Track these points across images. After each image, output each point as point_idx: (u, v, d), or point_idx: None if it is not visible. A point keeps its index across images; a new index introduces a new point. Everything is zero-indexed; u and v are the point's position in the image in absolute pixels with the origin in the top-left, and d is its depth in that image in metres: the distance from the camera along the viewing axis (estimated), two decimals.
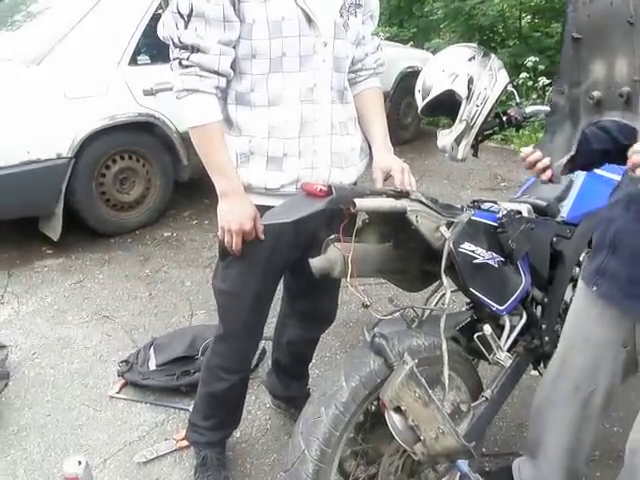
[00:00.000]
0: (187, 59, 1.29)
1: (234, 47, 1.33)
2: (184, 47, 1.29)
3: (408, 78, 5.34)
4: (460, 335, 1.59)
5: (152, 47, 3.49)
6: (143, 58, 3.43)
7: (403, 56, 5.46)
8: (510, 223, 1.38)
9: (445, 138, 1.97)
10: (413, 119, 5.60)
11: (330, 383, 1.30)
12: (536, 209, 1.66)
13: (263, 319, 1.64)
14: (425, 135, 5.63)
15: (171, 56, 1.34)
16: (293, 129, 1.38)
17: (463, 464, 1.25)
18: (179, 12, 1.28)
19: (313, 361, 2.34)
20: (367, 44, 1.54)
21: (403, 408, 1.16)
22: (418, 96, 2.04)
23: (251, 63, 1.34)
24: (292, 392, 1.98)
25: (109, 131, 3.24)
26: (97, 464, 1.85)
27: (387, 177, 1.50)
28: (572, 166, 1.26)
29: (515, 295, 1.43)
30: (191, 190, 3.94)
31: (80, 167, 3.17)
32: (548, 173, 1.24)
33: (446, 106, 1.98)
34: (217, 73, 1.32)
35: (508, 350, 1.49)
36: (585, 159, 1.25)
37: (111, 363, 2.35)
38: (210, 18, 1.27)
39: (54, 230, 3.20)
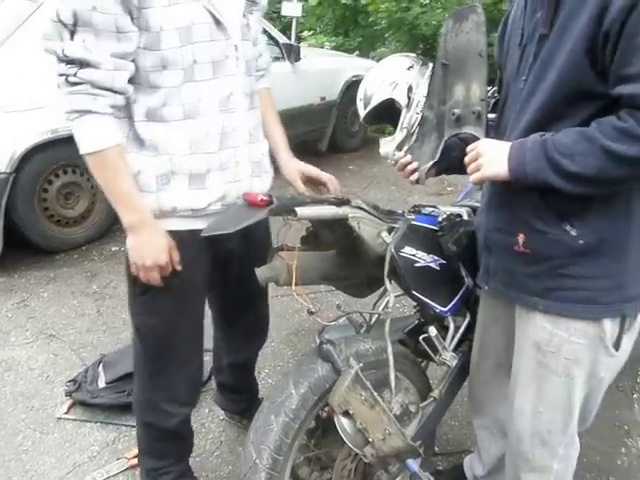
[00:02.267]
0: (75, 75, 1.14)
1: (133, 60, 1.21)
2: (70, 62, 1.14)
3: (354, 87, 5.39)
4: (408, 338, 1.64)
5: None
6: None
7: (349, 65, 5.54)
8: (450, 226, 1.43)
9: (387, 145, 2.04)
10: (360, 127, 5.68)
11: (279, 391, 1.31)
12: (476, 212, 1.73)
13: (202, 337, 1.60)
14: (372, 142, 5.72)
15: (56, 72, 1.17)
16: (214, 142, 1.32)
17: (413, 463, 1.28)
18: (61, 21, 1.13)
19: (266, 371, 2.36)
20: (260, 43, 1.48)
21: (351, 412, 1.18)
22: (360, 105, 2.11)
23: (162, 75, 1.22)
24: (243, 405, 1.97)
25: (50, 145, 3.14)
26: None
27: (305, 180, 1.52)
28: (435, 171, 1.44)
29: (458, 296, 1.48)
30: None
31: (21, 182, 3.06)
32: (415, 175, 1.43)
33: (387, 114, 2.04)
34: (112, 90, 1.18)
35: (454, 350, 1.54)
36: (446, 165, 1.42)
37: (58, 383, 2.28)
38: (99, 29, 1.13)
39: None
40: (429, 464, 1.67)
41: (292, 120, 4.83)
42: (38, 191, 3.20)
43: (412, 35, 7.39)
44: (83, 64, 1.13)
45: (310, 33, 9.02)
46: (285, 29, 6.80)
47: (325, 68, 5.11)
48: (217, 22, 1.24)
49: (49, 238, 3.33)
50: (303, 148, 5.26)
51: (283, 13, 5.82)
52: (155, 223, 1.29)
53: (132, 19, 1.15)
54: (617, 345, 1.22)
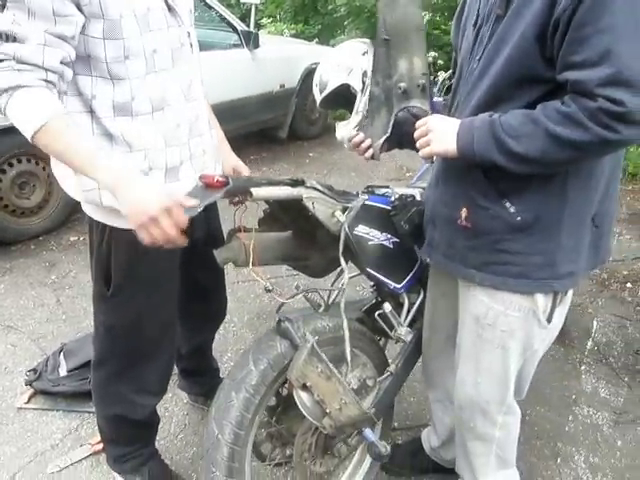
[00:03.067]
0: (1, 52, 1.06)
1: (75, 47, 1.13)
2: None
3: (313, 74, 5.44)
4: (365, 317, 1.69)
5: None
6: None
7: (308, 53, 5.53)
8: (402, 206, 1.48)
9: (342, 129, 2.06)
10: (320, 114, 5.70)
11: (239, 368, 1.34)
12: None
13: (175, 328, 1.61)
14: (333, 130, 5.68)
15: None
16: (184, 133, 1.31)
17: (369, 433, 1.34)
18: None
19: (229, 354, 2.39)
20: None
21: (308, 384, 1.23)
22: (316, 90, 2.12)
23: (125, 66, 1.18)
24: (206, 387, 1.99)
25: (3, 133, 3.06)
26: None
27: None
28: (388, 146, 1.48)
29: (411, 274, 1.54)
30: None
31: None
32: (369, 152, 1.50)
33: (343, 99, 2.07)
34: (41, 67, 1.08)
35: (409, 326, 1.60)
36: (398, 139, 1.46)
37: (17, 374, 2.26)
38: (34, 9, 1.06)
39: None
40: (387, 437, 1.74)
41: (251, 107, 4.83)
42: None
43: (371, 23, 7.42)
44: (9, 37, 1.06)
45: (269, 20, 8.96)
46: (244, 16, 6.74)
47: (284, 55, 5.10)
48: (169, 8, 1.24)
49: (4, 229, 3.25)
50: (263, 136, 5.27)
51: (242, 0, 5.76)
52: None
53: (80, 5, 1.10)
54: (549, 318, 1.30)
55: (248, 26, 4.89)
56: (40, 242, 3.39)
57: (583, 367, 2.42)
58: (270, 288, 1.32)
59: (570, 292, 1.33)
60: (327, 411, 1.22)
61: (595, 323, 2.75)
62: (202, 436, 1.95)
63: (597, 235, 1.27)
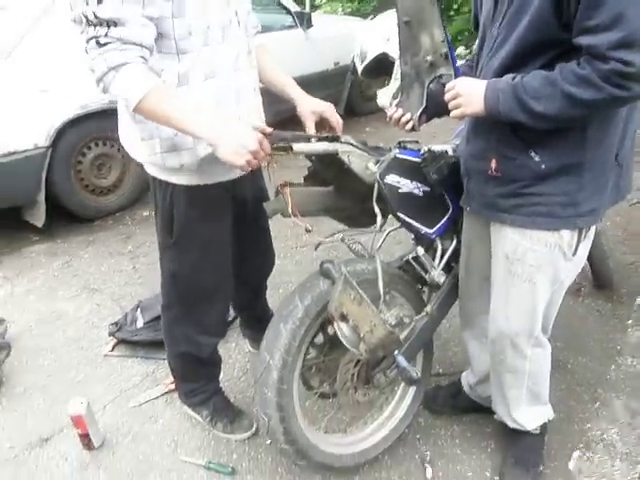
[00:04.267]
0: (105, 35, 1.23)
1: (159, 28, 1.29)
2: (100, 23, 1.22)
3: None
4: (405, 264, 1.83)
5: None
6: None
7: (362, 29, 5.62)
8: (432, 158, 1.60)
9: (384, 96, 2.21)
10: (374, 93, 5.78)
11: (287, 304, 1.54)
12: None
13: (231, 276, 1.80)
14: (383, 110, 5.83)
15: (84, 37, 1.26)
16: (233, 99, 1.46)
17: (402, 360, 1.49)
18: None
19: None
20: (245, 2, 1.55)
21: (345, 312, 1.40)
22: (357, 60, 2.28)
23: (189, 41, 1.34)
24: (264, 332, 2.20)
25: (82, 119, 3.40)
26: (97, 410, 2.06)
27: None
28: (426, 117, 1.58)
29: (443, 220, 1.66)
30: None
31: (58, 156, 3.34)
32: (409, 124, 1.60)
33: (383, 68, 2.21)
34: (141, 45, 1.26)
35: (444, 270, 1.73)
36: (435, 109, 1.54)
37: (102, 329, 2.56)
38: None
39: (38, 217, 3.38)
40: (427, 375, 1.88)
41: (307, 86, 4.93)
42: (74, 163, 3.48)
43: None
44: (113, 23, 1.22)
45: (324, 1, 9.06)
46: None
47: (337, 34, 5.22)
48: None
49: (85, 207, 3.62)
50: None
51: None
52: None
53: None
54: (574, 252, 1.40)
55: (304, 7, 5.05)
56: (117, 217, 3.74)
57: (630, 321, 2.45)
58: (310, 229, 1.49)
59: (593, 227, 1.42)
60: (361, 336, 1.39)
61: None
62: None
63: (619, 173, 1.36)
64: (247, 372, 2.26)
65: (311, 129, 1.62)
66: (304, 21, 4.66)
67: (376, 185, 1.50)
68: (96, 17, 1.22)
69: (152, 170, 1.58)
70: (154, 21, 1.29)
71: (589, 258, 2.47)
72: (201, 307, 1.74)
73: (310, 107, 1.66)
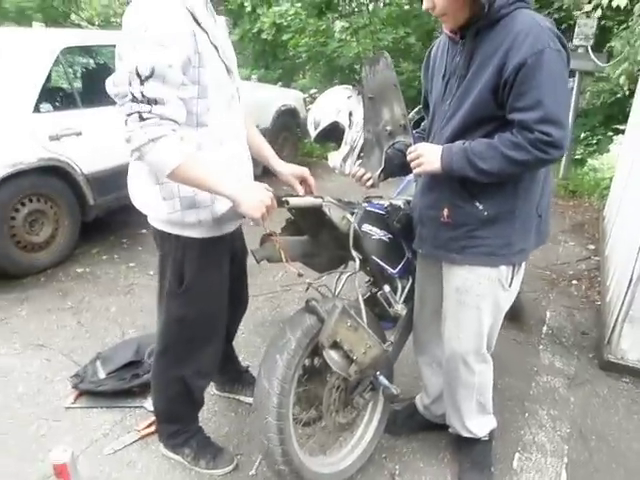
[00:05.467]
0: (149, 112, 1.42)
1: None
2: (146, 101, 1.42)
3: (284, 115, 5.97)
4: (371, 299, 2.10)
5: (53, 96, 3.73)
6: (46, 106, 3.64)
7: (278, 96, 6.07)
8: (393, 210, 1.93)
9: (334, 158, 2.55)
10: (289, 152, 6.18)
11: (279, 338, 1.74)
12: (410, 203, 2.25)
13: (225, 319, 1.96)
14: (302, 164, 6.24)
15: (126, 111, 1.44)
16: (237, 162, 1.71)
17: (383, 379, 1.75)
18: (137, 72, 1.41)
19: (242, 355, 2.74)
20: (239, 79, 1.79)
21: (338, 340, 1.63)
22: (310, 128, 2.61)
23: (208, 116, 1.59)
24: (232, 374, 2.37)
25: (17, 175, 3.40)
26: None
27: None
28: (383, 176, 1.86)
29: (402, 262, 1.98)
30: (97, 228, 4.17)
31: None
32: (370, 182, 1.86)
33: (333, 134, 2.55)
34: (174, 121, 1.47)
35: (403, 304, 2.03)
36: (390, 170, 1.86)
37: (57, 382, 2.55)
38: (168, 80, 1.44)
39: None
40: (388, 408, 2.14)
41: None
42: (7, 219, 3.44)
43: (330, 67, 8.10)
44: (157, 102, 1.43)
45: None
46: None
47: (258, 100, 5.59)
48: (228, 71, 1.66)
49: (17, 263, 3.55)
50: None
51: None
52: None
53: (186, 75, 1.49)
54: (510, 284, 1.77)
55: None
56: (49, 275, 3.68)
57: (541, 347, 2.90)
58: (302, 273, 1.73)
59: (523, 264, 1.80)
60: (354, 358, 1.63)
61: (548, 313, 3.25)
62: (231, 419, 2.33)
63: (539, 222, 1.76)
64: (216, 413, 2.37)
65: (300, 189, 1.89)
66: None
67: (351, 233, 1.78)
68: (143, 96, 1.42)
69: (163, 226, 1.73)
70: (183, 101, 1.51)
71: None
72: (201, 349, 1.89)
73: (292, 172, 1.95)
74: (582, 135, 6.38)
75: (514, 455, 2.14)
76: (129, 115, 1.44)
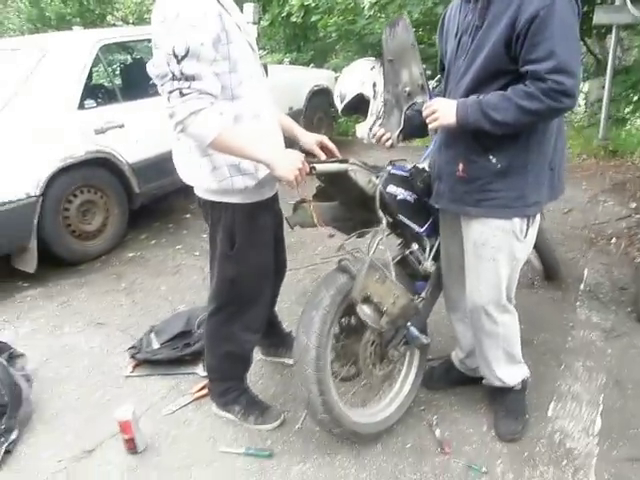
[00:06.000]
0: (188, 87, 1.56)
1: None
2: (185, 78, 1.56)
3: (317, 95, 6.05)
4: (401, 260, 2.19)
5: (95, 92, 3.94)
6: (89, 102, 3.87)
7: (310, 77, 6.16)
8: (416, 173, 2.01)
9: (362, 129, 2.63)
10: (326, 132, 6.26)
11: (315, 296, 1.87)
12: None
13: (273, 277, 2.12)
14: (337, 144, 6.32)
15: (168, 89, 1.58)
16: (272, 132, 1.84)
17: (414, 329, 1.85)
18: (174, 53, 1.55)
19: (286, 323, 2.87)
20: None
21: (368, 293, 1.74)
22: (337, 101, 2.70)
23: (241, 88, 1.73)
24: (276, 339, 2.52)
25: (69, 169, 3.64)
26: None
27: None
28: (402, 136, 1.92)
29: (429, 221, 2.06)
30: (144, 215, 4.40)
31: (47, 204, 3.55)
32: (389, 142, 1.92)
33: (359, 105, 2.64)
34: (212, 95, 1.61)
35: (433, 261, 2.12)
36: (410, 131, 1.91)
37: (117, 355, 2.77)
38: (202, 57, 1.58)
39: (29, 264, 3.53)
40: (424, 365, 2.24)
41: None
42: (61, 210, 3.69)
43: (361, 44, 8.08)
44: (195, 78, 1.56)
45: (265, 52, 9.64)
46: None
47: (290, 81, 5.70)
48: (252, 49, 1.81)
49: (74, 251, 3.81)
50: None
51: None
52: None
53: (218, 52, 1.64)
54: (525, 235, 1.83)
55: None
56: (103, 260, 3.93)
57: (578, 303, 2.93)
58: (333, 234, 1.85)
59: (538, 216, 1.86)
60: (384, 310, 1.74)
61: (586, 271, 3.25)
62: (277, 381, 2.48)
63: (552, 176, 1.81)
64: (263, 376, 2.53)
65: (320, 154, 2.00)
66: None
67: (378, 194, 1.88)
68: (182, 74, 1.56)
69: (213, 196, 1.87)
70: (217, 76, 1.65)
71: (539, 253, 2.95)
72: (250, 307, 2.04)
73: (312, 139, 2.06)
74: (623, 94, 6.18)
75: (549, 404, 2.20)
76: (171, 92, 1.58)
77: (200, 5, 1.60)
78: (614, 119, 5.92)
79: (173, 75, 1.57)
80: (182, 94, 1.57)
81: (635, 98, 6.26)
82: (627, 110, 6.28)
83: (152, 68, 1.64)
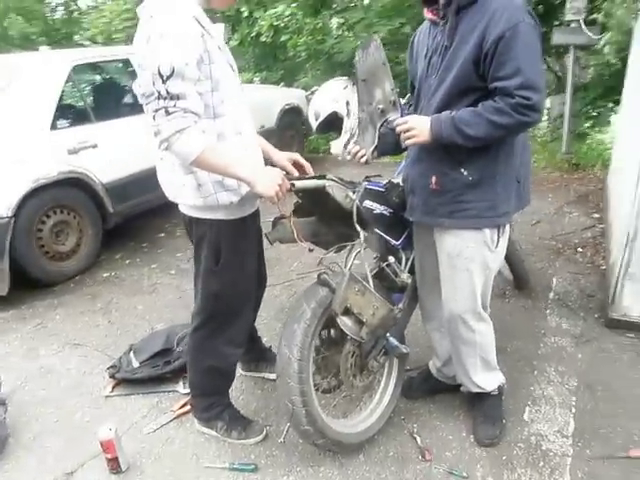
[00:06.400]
0: (174, 106, 1.60)
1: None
2: (170, 97, 1.60)
3: (288, 114, 6.14)
4: (379, 272, 2.25)
5: (68, 112, 3.93)
6: (62, 122, 3.86)
7: (281, 95, 6.24)
8: (391, 188, 2.08)
9: (337, 146, 2.71)
10: (297, 149, 6.30)
11: (296, 309, 1.90)
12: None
13: (255, 292, 2.16)
14: (309, 161, 6.40)
15: (153, 107, 1.62)
16: (252, 150, 1.89)
17: (393, 339, 1.90)
18: (159, 73, 1.59)
19: (265, 339, 2.90)
20: None
21: (348, 305, 1.79)
22: (312, 120, 2.78)
23: (223, 106, 1.76)
24: (255, 352, 2.54)
25: (41, 190, 3.61)
26: None
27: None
28: (377, 153, 1.98)
29: (404, 234, 2.13)
30: (118, 235, 4.38)
31: (19, 224, 3.51)
32: (364, 158, 1.99)
33: (333, 124, 2.72)
34: (196, 114, 1.65)
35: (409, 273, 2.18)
36: (383, 148, 1.97)
37: (95, 375, 2.75)
38: (186, 77, 1.62)
39: (1, 286, 3.48)
40: (402, 375, 2.29)
41: None
42: (34, 231, 3.65)
43: (330, 63, 8.22)
44: (179, 97, 1.61)
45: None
46: None
47: (262, 100, 5.76)
48: (233, 69, 1.85)
49: (47, 272, 3.77)
50: None
51: None
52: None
53: (200, 71, 1.67)
54: (496, 245, 1.91)
55: None
56: (77, 281, 3.90)
57: (548, 311, 3.03)
58: (312, 248, 1.90)
59: (508, 227, 1.94)
60: (364, 320, 1.79)
61: (555, 280, 3.37)
62: (258, 396, 2.50)
63: (518, 187, 1.90)
64: (243, 392, 2.54)
65: (293, 171, 2.06)
66: None
67: (355, 209, 1.94)
68: (168, 93, 1.61)
69: (198, 212, 1.90)
70: (200, 95, 1.69)
71: (509, 263, 3.05)
72: (234, 320, 2.07)
73: (284, 157, 2.13)
74: (583, 109, 6.43)
75: (525, 408, 2.28)
76: (156, 111, 1.62)
77: (183, 26, 1.64)
78: (575, 134, 6.14)
79: (159, 94, 1.61)
80: (168, 112, 1.61)
81: (594, 114, 6.52)
82: (587, 125, 6.52)
83: (137, 87, 1.68)
